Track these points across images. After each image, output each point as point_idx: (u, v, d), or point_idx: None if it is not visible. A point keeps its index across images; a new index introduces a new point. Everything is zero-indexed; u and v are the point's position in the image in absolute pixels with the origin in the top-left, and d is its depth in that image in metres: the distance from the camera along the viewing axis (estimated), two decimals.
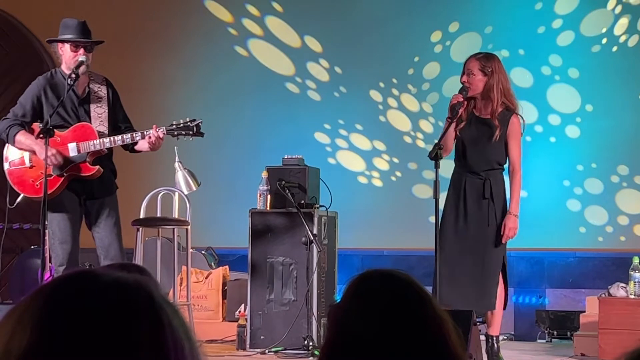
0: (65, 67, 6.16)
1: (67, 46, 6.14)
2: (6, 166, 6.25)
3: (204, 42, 9.37)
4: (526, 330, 8.19)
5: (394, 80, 8.95)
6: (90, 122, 6.13)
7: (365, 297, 1.81)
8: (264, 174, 7.16)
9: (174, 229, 7.21)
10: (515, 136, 6.30)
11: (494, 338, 6.36)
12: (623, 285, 6.85)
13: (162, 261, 7.18)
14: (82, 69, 6.08)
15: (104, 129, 6.14)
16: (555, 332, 7.87)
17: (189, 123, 6.17)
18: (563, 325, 7.85)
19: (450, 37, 8.78)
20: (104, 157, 6.17)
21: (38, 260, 6.28)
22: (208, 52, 9.34)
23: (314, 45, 9.14)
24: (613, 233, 8.44)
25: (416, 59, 8.89)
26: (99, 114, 6.16)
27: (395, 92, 8.96)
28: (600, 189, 8.46)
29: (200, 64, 9.38)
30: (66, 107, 6.13)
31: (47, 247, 6.12)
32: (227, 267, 8.19)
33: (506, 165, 6.41)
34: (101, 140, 6.06)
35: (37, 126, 6.11)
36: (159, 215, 7.37)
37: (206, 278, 7.97)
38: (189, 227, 7.18)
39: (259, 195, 7.15)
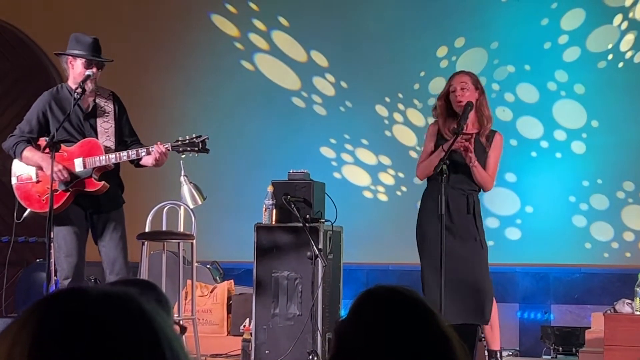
0: (73, 82, 6.19)
1: (78, 62, 6.16)
2: (14, 181, 6.27)
3: (210, 56, 9.39)
4: (531, 346, 8.17)
5: (400, 95, 8.96)
6: (97, 137, 6.14)
7: (371, 313, 1.81)
8: (270, 189, 7.16)
9: (179, 242, 7.22)
10: (495, 151, 6.37)
11: (497, 353, 6.37)
12: (629, 301, 6.83)
13: (167, 275, 7.18)
14: (88, 84, 6.10)
15: (111, 143, 6.15)
16: (560, 348, 7.85)
17: (194, 139, 6.16)
18: (568, 341, 7.83)
19: (456, 52, 8.79)
20: (110, 172, 6.18)
21: (43, 273, 6.29)
22: (214, 67, 9.36)
23: (320, 59, 9.16)
24: (619, 249, 8.42)
25: (422, 74, 8.90)
26: (105, 129, 6.17)
27: (401, 106, 8.97)
28: (605, 205, 8.45)
29: (206, 78, 9.39)
30: (72, 122, 6.15)
31: (52, 260, 6.13)
32: (232, 281, 8.19)
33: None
34: (107, 155, 6.08)
35: (43, 141, 6.13)
36: (164, 229, 7.37)
37: (211, 292, 7.97)
38: (194, 241, 7.18)
39: (264, 209, 7.15)
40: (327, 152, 9.08)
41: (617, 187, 8.45)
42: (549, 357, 7.94)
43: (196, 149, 6.15)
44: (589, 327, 7.52)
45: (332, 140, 9.07)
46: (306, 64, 9.19)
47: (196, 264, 7.43)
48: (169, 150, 6.12)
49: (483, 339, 6.41)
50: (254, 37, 9.32)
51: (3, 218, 9.73)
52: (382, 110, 8.99)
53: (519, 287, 8.38)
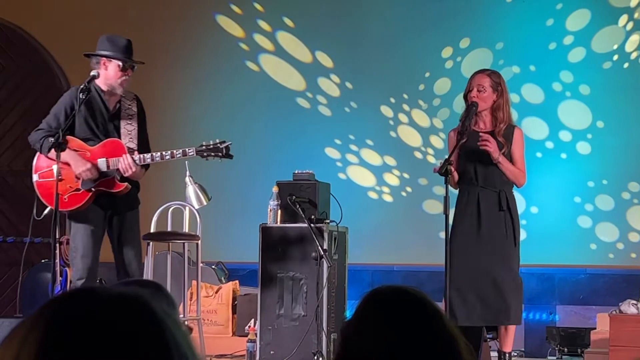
0: (103, 83, 6.21)
1: (113, 63, 6.16)
2: (35, 178, 6.27)
3: (215, 57, 9.39)
4: (537, 347, 8.17)
5: (405, 96, 8.96)
6: (119, 138, 6.19)
7: (377, 313, 1.80)
8: (275, 189, 7.16)
9: (184, 243, 7.22)
10: (519, 146, 6.37)
11: (507, 354, 6.36)
12: (634, 302, 6.83)
13: (172, 275, 7.18)
14: (117, 85, 6.11)
15: (134, 145, 6.21)
16: (565, 349, 7.85)
17: (218, 144, 6.23)
18: (574, 342, 7.82)
19: (461, 53, 8.79)
20: None
21: (48, 274, 6.30)
22: (219, 67, 9.36)
23: (325, 60, 9.15)
24: (624, 250, 8.41)
25: (427, 74, 8.90)
26: (128, 131, 6.23)
27: (405, 107, 8.96)
28: (611, 206, 8.45)
29: (211, 78, 9.40)
30: (96, 121, 6.19)
31: (57, 261, 6.14)
32: (237, 281, 8.19)
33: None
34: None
35: (70, 138, 6.16)
36: (169, 229, 7.37)
37: (216, 293, 7.97)
38: (199, 241, 7.19)
39: (269, 210, 7.15)
40: (332, 152, 9.08)
41: (622, 187, 8.44)
42: (555, 357, 7.93)
43: (220, 154, 6.23)
44: (594, 328, 7.51)
45: (337, 141, 9.07)
46: (311, 65, 9.19)
47: (201, 265, 7.43)
48: (183, 156, 6.18)
49: (488, 340, 6.40)
50: (258, 38, 9.32)
51: (7, 217, 9.74)
52: (387, 111, 8.99)
53: (524, 288, 8.36)
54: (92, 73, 6.13)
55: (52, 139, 6.00)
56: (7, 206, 9.75)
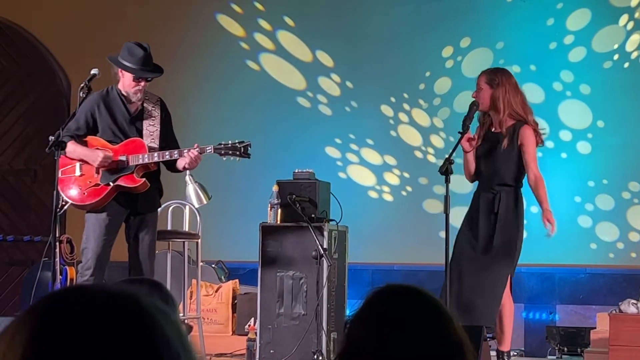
0: (122, 87, 6.37)
1: (127, 74, 6.32)
2: (59, 174, 6.35)
3: (216, 56, 9.39)
4: (536, 347, 8.17)
5: (405, 95, 8.96)
6: (142, 139, 6.30)
7: (381, 312, 1.80)
8: (275, 188, 7.16)
9: (184, 242, 7.23)
10: (528, 145, 6.31)
11: (506, 354, 6.37)
12: (634, 301, 6.83)
13: (172, 274, 7.18)
14: (133, 91, 6.22)
15: (155, 145, 6.40)
16: (565, 349, 7.85)
17: (237, 144, 6.35)
18: (573, 341, 7.82)
19: (461, 52, 8.79)
20: (152, 174, 6.34)
21: (48, 272, 6.30)
22: (220, 67, 9.36)
23: (326, 59, 9.15)
24: (624, 249, 8.41)
25: (427, 74, 8.90)
26: (150, 132, 6.39)
27: (406, 107, 8.96)
28: (611, 205, 8.45)
29: (212, 78, 9.39)
30: (118, 124, 6.36)
31: (57, 259, 6.15)
32: (237, 280, 8.19)
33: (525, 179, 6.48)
34: (150, 154, 6.25)
35: (90, 137, 6.34)
36: (169, 228, 7.38)
37: (216, 291, 7.97)
38: (199, 240, 7.19)
39: (269, 209, 7.15)
40: (332, 151, 9.07)
41: (622, 187, 8.44)
42: (554, 357, 7.93)
43: (237, 153, 6.31)
44: (594, 328, 7.51)
45: (338, 140, 9.07)
46: (311, 64, 9.19)
47: (201, 264, 7.44)
48: (206, 152, 6.30)
49: (488, 339, 6.41)
50: (259, 37, 9.32)
51: (8, 216, 9.74)
52: (387, 110, 8.98)
53: (524, 288, 8.37)
54: (92, 71, 6.17)
55: (52, 137, 6.05)
56: (8, 205, 9.75)
